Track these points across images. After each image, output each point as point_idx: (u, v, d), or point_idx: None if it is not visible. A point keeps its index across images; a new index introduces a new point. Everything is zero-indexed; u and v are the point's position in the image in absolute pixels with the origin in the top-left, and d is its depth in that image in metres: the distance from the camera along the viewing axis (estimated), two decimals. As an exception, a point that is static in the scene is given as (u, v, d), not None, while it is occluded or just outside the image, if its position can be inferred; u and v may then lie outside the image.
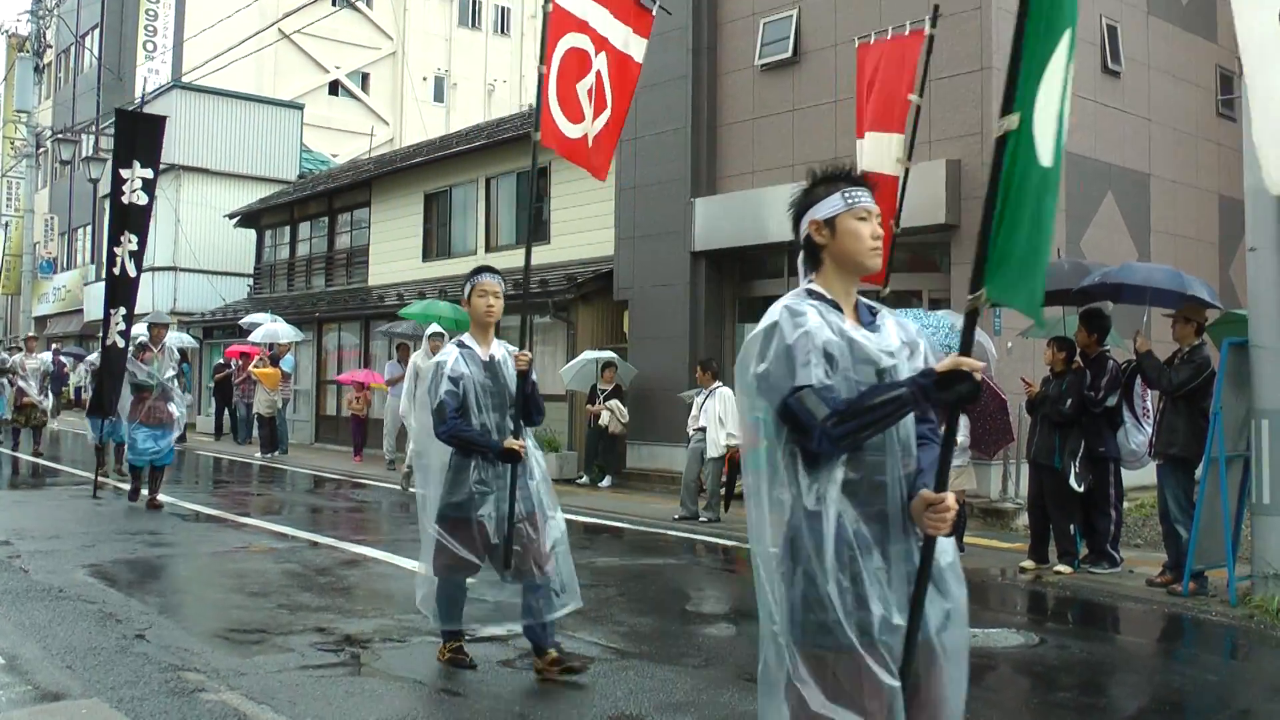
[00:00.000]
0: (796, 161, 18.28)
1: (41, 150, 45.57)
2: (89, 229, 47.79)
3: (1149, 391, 11.64)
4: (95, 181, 37.09)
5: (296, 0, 42.09)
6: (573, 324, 21.71)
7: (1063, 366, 11.70)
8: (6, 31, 52.44)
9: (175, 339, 32.02)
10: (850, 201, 3.97)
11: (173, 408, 15.62)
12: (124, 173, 16.24)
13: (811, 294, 3.92)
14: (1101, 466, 11.51)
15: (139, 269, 16.58)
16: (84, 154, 38.63)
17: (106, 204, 40.12)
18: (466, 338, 7.48)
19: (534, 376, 7.51)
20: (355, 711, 6.30)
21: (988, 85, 15.92)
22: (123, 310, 16.15)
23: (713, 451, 15.23)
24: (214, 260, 38.64)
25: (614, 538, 13.99)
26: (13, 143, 50.64)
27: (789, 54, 18.53)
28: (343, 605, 9.37)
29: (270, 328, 26.28)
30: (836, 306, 3.88)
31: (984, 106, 15.93)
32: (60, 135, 41.71)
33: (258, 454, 25.41)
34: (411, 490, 15.93)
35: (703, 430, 15.46)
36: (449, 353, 7.33)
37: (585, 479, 20.17)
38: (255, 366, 26.09)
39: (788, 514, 3.69)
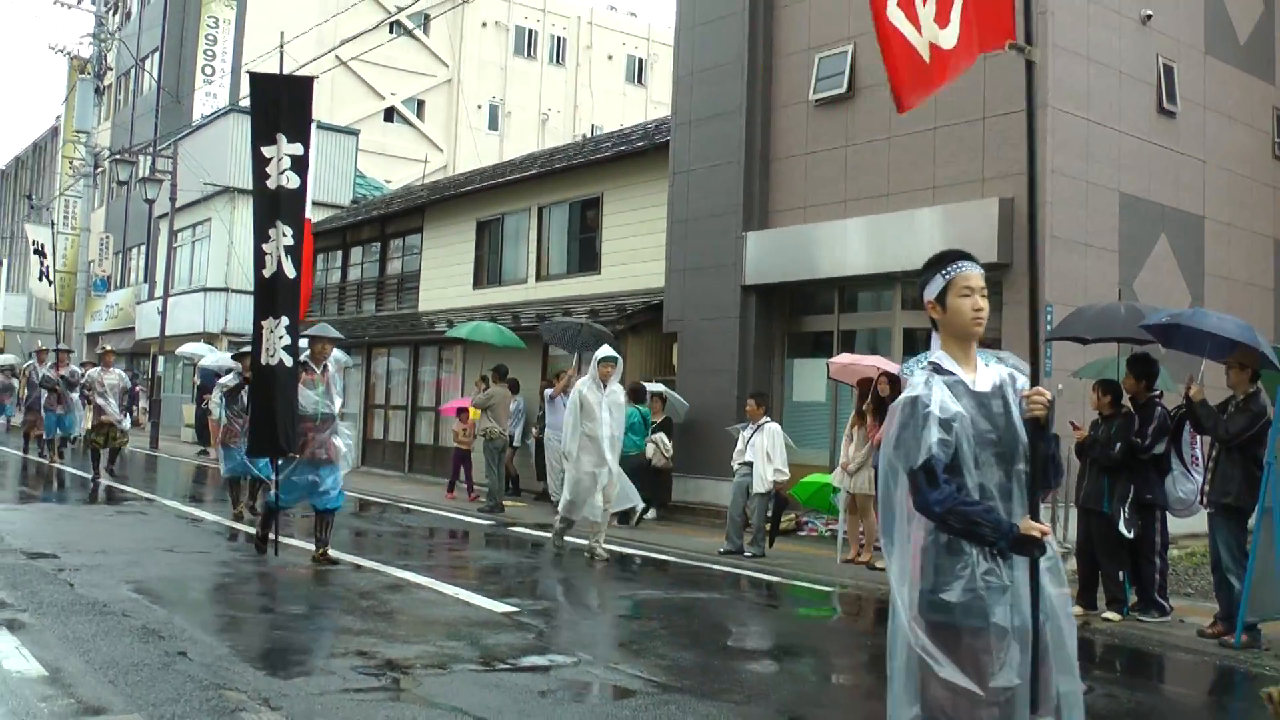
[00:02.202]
0: (849, 197, 18.25)
1: (99, 170, 45.99)
2: (143, 248, 48.21)
3: (1198, 439, 11.45)
4: (151, 202, 37.38)
5: (355, 27, 42.37)
6: (622, 355, 21.69)
7: (1110, 410, 11.56)
8: (69, 54, 53.04)
9: (228, 359, 32.38)
10: None
11: (338, 441, 12.98)
12: (266, 151, 12.93)
13: None
14: (1148, 513, 11.35)
15: (299, 268, 13.14)
16: (140, 175, 38.96)
17: (163, 225, 40.46)
18: (942, 357, 4.82)
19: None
20: (395, 737, 6.28)
21: (1042, 124, 15.83)
22: (285, 320, 12.78)
23: (759, 486, 15.12)
24: (266, 282, 38.84)
25: (658, 570, 13.94)
26: (71, 162, 51.12)
27: (844, 89, 18.49)
28: (385, 630, 9.36)
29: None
30: None
31: (1038, 145, 15.85)
32: (118, 156, 42.04)
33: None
34: (564, 545, 14.81)
35: (748, 465, 15.34)
36: (925, 381, 4.72)
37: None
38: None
39: None
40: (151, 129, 46.48)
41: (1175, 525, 11.83)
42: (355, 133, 44.60)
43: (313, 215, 39.08)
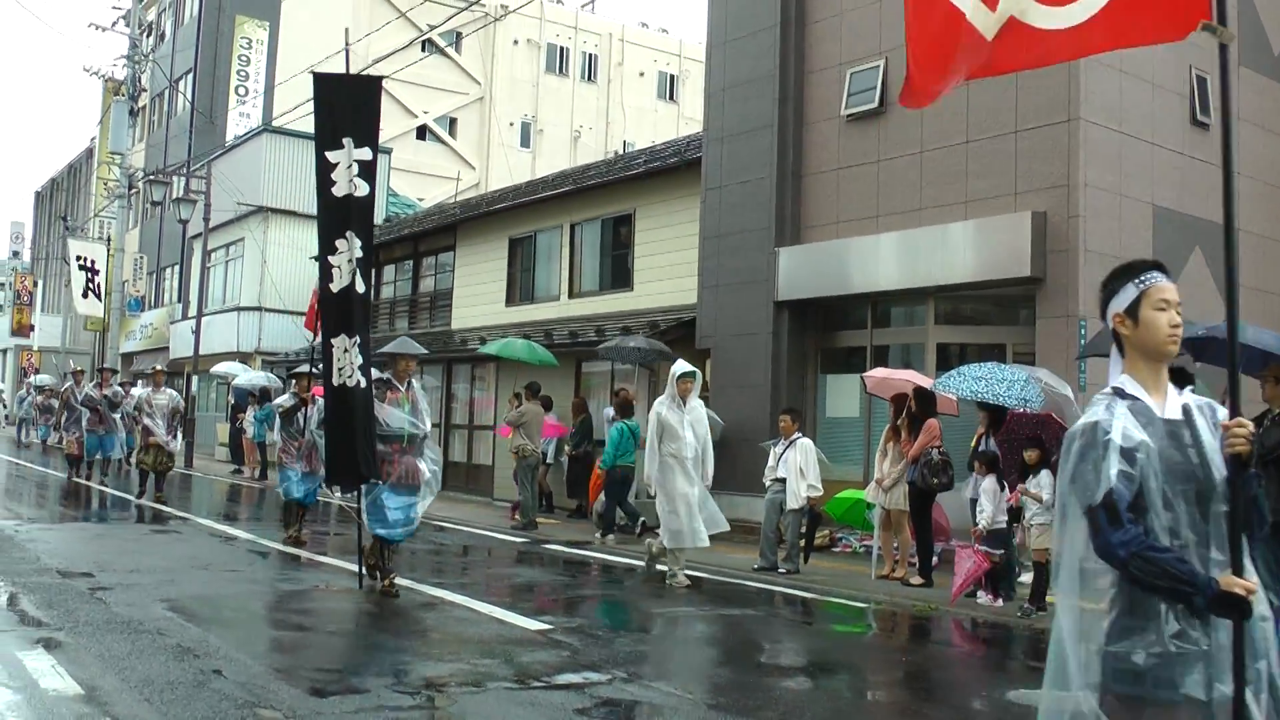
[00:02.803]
0: (881, 213, 18.22)
1: (133, 191, 46.26)
2: (177, 268, 48.47)
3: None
4: (185, 222, 37.58)
5: (387, 46, 42.54)
6: (655, 371, 21.65)
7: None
8: (103, 76, 53.41)
9: (262, 378, 32.34)
10: None
11: (424, 465, 12.01)
12: (331, 156, 12.08)
13: None
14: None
15: (370, 282, 12.29)
16: (174, 195, 39.18)
17: (196, 245, 40.67)
18: (1125, 381, 4.11)
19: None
20: (429, 755, 6.26)
21: (1074, 136, 15.78)
22: (356, 339, 11.84)
23: (793, 503, 15.04)
24: (299, 301, 38.99)
25: (692, 587, 13.90)
26: (106, 183, 51.43)
27: (875, 104, 18.48)
28: (419, 648, 9.36)
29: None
30: None
31: (1070, 158, 15.79)
32: (152, 176, 42.28)
33: (337, 493, 25.47)
34: (661, 570, 13.98)
35: (780, 481, 15.25)
36: (1105, 405, 4.01)
37: (663, 527, 20.05)
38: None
39: None
40: (185, 149, 46.73)
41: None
42: (388, 151, 44.62)
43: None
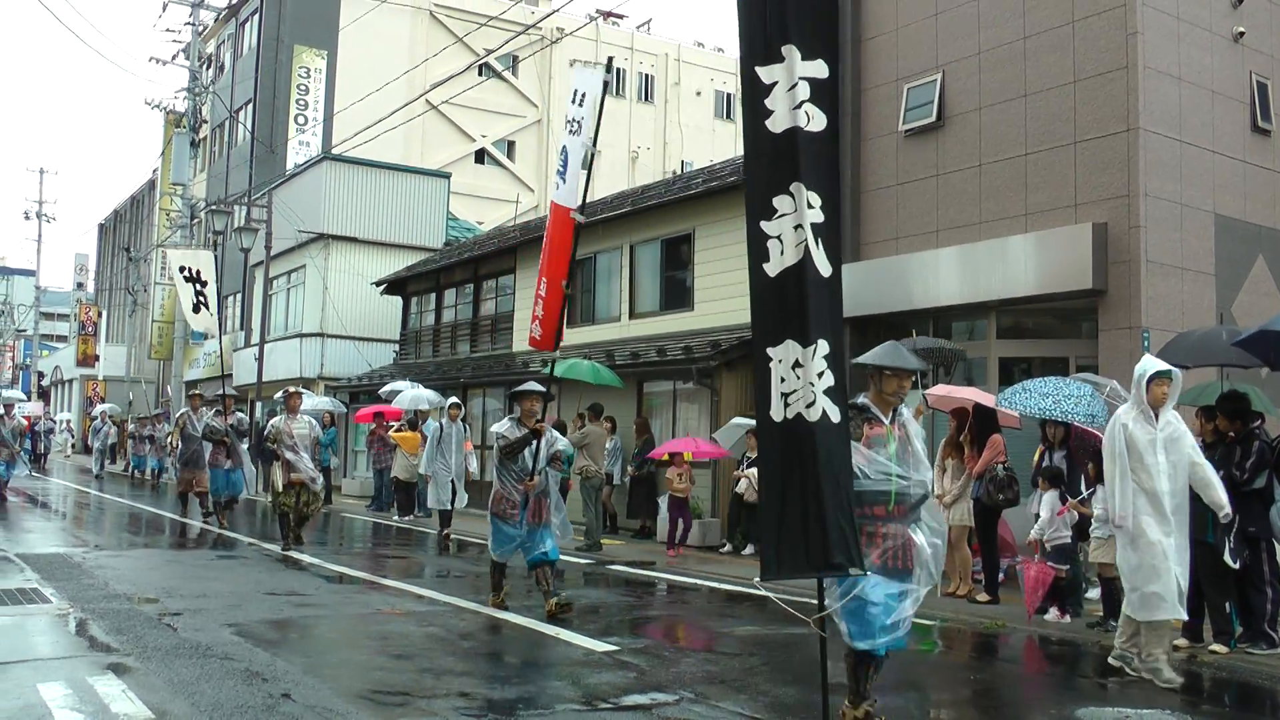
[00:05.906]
0: (941, 227, 18.15)
1: (196, 221, 46.70)
2: (239, 296, 48.86)
3: (1303, 468, 11.13)
4: (246, 251, 37.89)
5: (444, 72, 42.81)
6: (716, 390, 21.63)
7: (1213, 437, 11.30)
8: (165, 109, 53.99)
9: (327, 402, 32.35)
10: None
11: (920, 537, 7.63)
12: (764, 73, 7.11)
13: None
14: (1255, 543, 11.09)
15: (838, 259, 7.15)
16: (236, 224, 39.54)
17: (258, 273, 40.90)
18: None
19: None
20: (497, 777, 6.26)
21: (1134, 146, 15.68)
22: (822, 346, 7.06)
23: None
24: (360, 326, 39.26)
25: (757, 606, 13.85)
26: (168, 214, 51.93)
27: (933, 118, 18.43)
28: (486, 670, 9.37)
29: (413, 393, 26.29)
30: None
31: (1130, 168, 15.69)
32: (214, 206, 42.71)
33: (395, 517, 25.58)
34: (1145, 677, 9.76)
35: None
36: None
37: (728, 546, 19.99)
38: (396, 431, 26.22)
39: None
40: (246, 179, 47.17)
41: (1283, 553, 11.55)
42: (447, 176, 44.88)
43: (409, 259, 39.55)
